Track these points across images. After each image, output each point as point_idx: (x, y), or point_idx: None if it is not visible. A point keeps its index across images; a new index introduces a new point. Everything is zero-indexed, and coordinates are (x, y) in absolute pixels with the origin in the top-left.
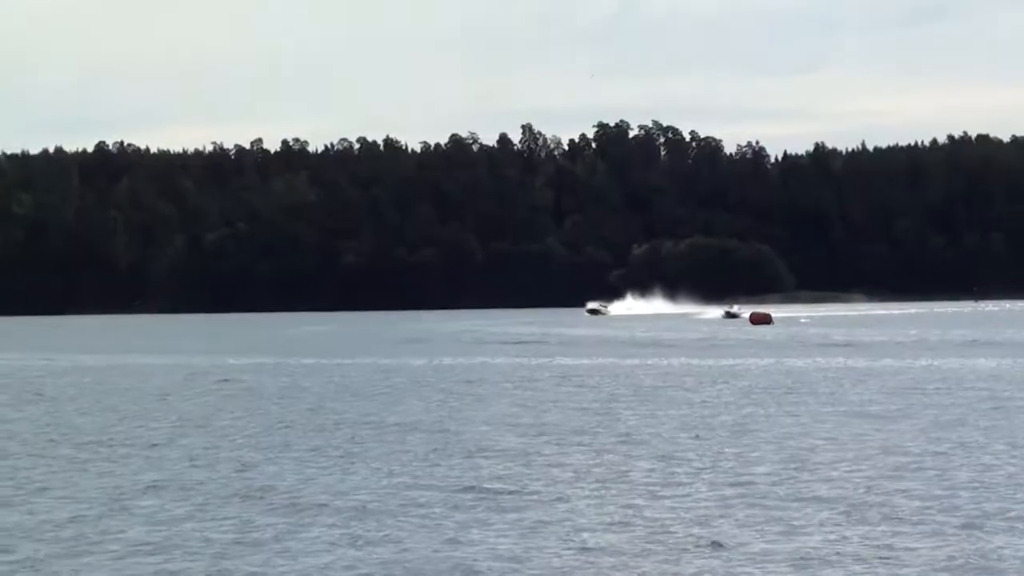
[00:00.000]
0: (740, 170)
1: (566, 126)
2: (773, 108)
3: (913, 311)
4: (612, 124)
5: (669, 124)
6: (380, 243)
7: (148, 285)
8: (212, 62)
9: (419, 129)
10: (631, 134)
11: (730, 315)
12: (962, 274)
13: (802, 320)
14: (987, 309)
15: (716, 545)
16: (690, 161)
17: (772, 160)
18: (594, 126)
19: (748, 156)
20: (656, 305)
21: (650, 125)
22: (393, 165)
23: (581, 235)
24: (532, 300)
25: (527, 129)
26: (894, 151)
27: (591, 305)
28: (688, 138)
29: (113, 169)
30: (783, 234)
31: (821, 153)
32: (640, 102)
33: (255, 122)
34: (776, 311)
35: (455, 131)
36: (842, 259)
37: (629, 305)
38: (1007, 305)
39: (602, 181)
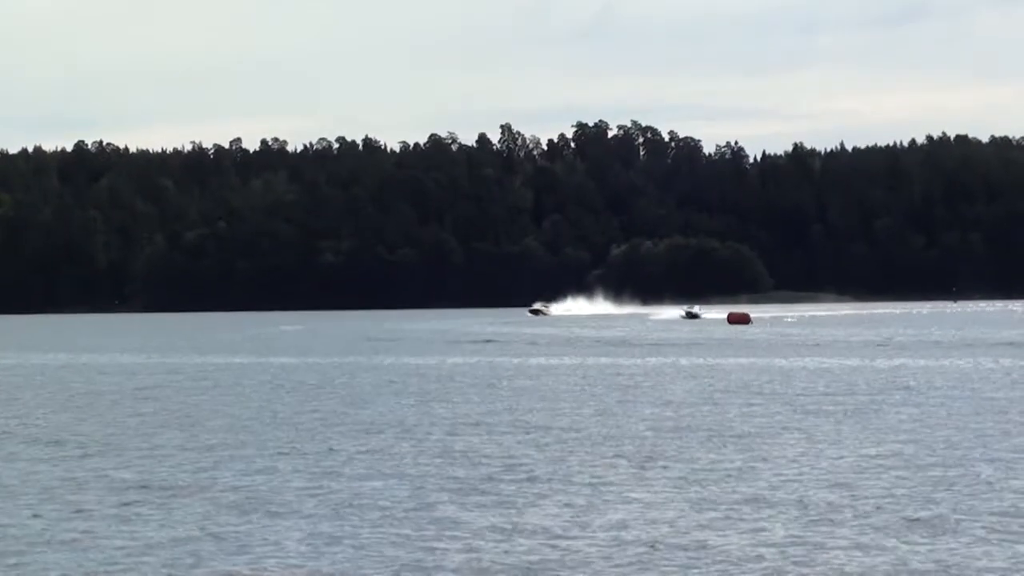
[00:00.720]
0: (719, 170)
1: (545, 126)
2: (752, 108)
3: (887, 311)
4: (591, 124)
5: (648, 124)
6: (359, 242)
7: (128, 284)
8: (191, 62)
9: (398, 129)
10: (610, 134)
11: (690, 315)
12: (942, 274)
13: (788, 319)
14: (964, 310)
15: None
16: (669, 161)
17: (751, 160)
18: (573, 126)
19: (727, 156)
20: (599, 306)
21: (629, 125)
22: (372, 164)
23: (560, 235)
24: (511, 300)
25: (506, 129)
26: (873, 151)
27: (534, 306)
28: (667, 138)
29: (92, 168)
30: (762, 234)
31: (800, 153)
32: (619, 102)
33: (234, 121)
34: (744, 311)
35: (434, 131)
36: (821, 259)
37: (568, 306)
38: (984, 305)
39: (581, 181)
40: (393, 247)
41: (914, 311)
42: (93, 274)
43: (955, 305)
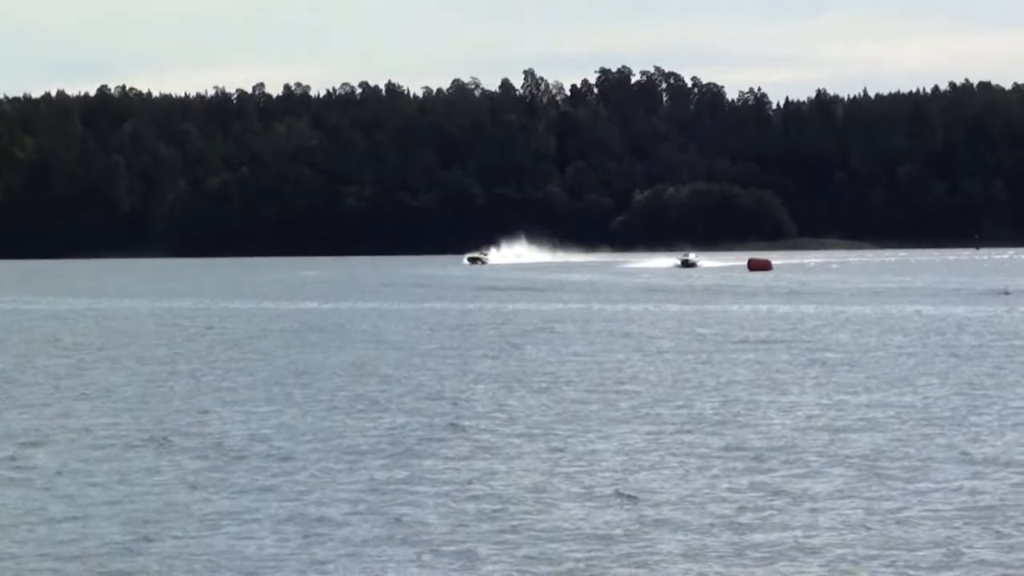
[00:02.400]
0: (742, 116)
1: (568, 72)
2: (775, 54)
3: (910, 258)
4: (614, 70)
5: (671, 70)
6: (382, 187)
7: (150, 229)
8: (213, 6)
9: (421, 74)
10: (633, 80)
11: (686, 263)
12: (964, 221)
13: (810, 265)
14: (986, 257)
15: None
16: (692, 107)
17: (774, 107)
18: (596, 72)
19: (750, 103)
20: (539, 254)
21: (652, 71)
22: (395, 110)
23: (583, 181)
24: (555, 246)
25: (529, 74)
26: (896, 98)
27: (470, 255)
28: (690, 84)
29: (115, 113)
30: (785, 181)
31: (823, 100)
32: (642, 48)
33: (257, 66)
34: (765, 257)
35: (457, 76)
36: (844, 206)
37: (506, 252)
38: (1008, 253)
39: (604, 127)
40: (416, 192)
41: (937, 258)
42: (116, 219)
43: (978, 252)
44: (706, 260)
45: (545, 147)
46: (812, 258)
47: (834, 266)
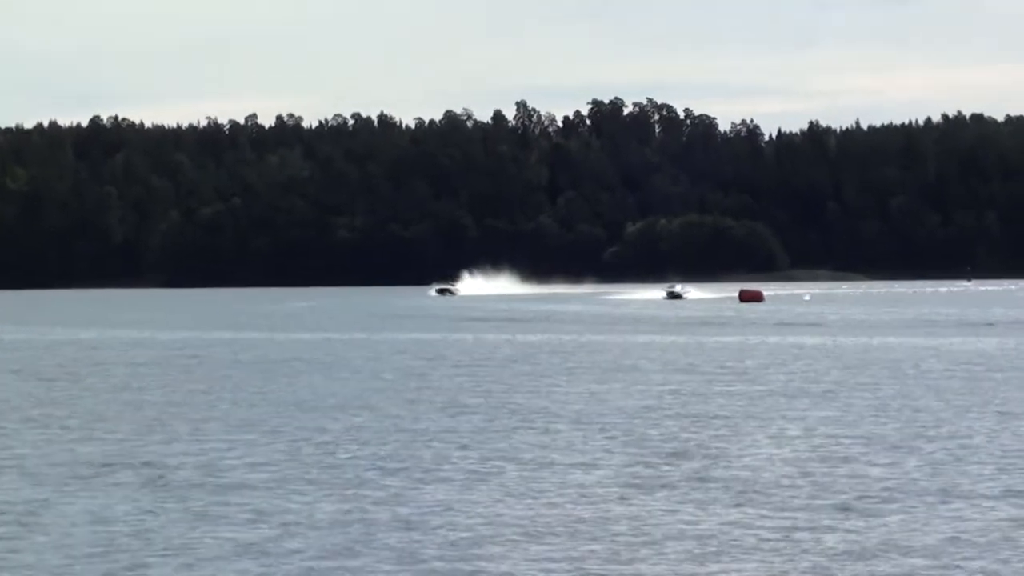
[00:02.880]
0: (734, 148)
1: (560, 103)
2: (767, 86)
3: (901, 290)
4: (606, 101)
5: (663, 102)
6: (374, 218)
7: (143, 259)
8: (207, 37)
9: (413, 105)
10: (625, 111)
11: (672, 295)
12: (957, 253)
13: (805, 298)
14: (977, 289)
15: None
16: (684, 139)
17: (767, 138)
18: (588, 103)
19: (743, 134)
20: (504, 284)
21: (644, 102)
22: (387, 141)
23: (575, 212)
24: (526, 277)
25: (521, 106)
26: (888, 130)
27: (439, 286)
28: (682, 115)
29: (108, 143)
30: (777, 212)
31: (816, 131)
32: (634, 80)
33: (250, 97)
34: (757, 288)
35: (449, 107)
36: (836, 238)
37: (476, 283)
38: (1000, 285)
39: (596, 158)
40: (408, 223)
41: (928, 289)
42: (109, 249)
43: (969, 284)
44: (697, 291)
45: (537, 178)
46: (807, 290)
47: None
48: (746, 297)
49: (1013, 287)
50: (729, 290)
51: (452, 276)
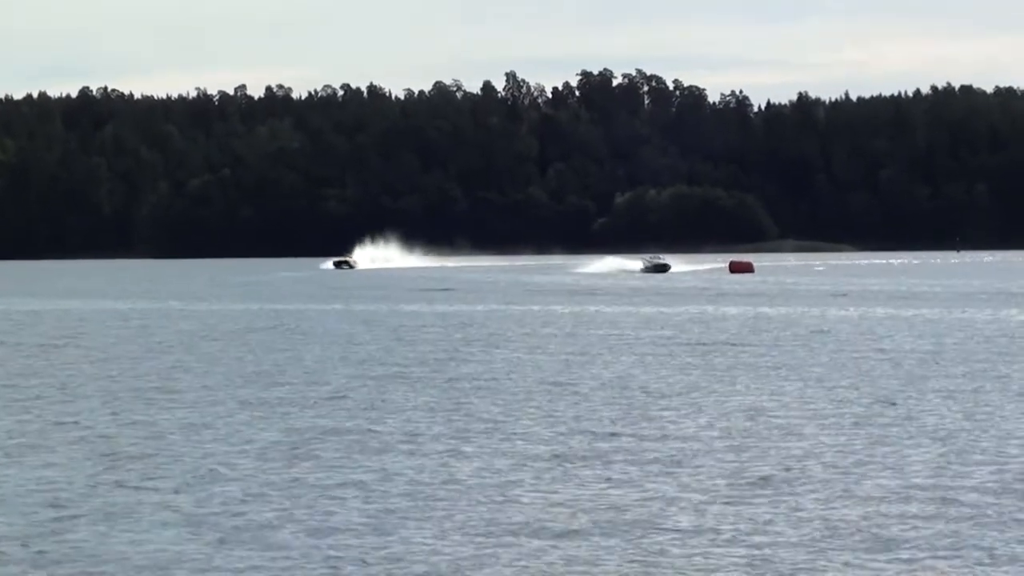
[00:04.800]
0: (724, 119)
1: (550, 75)
2: (756, 57)
3: (890, 260)
4: (595, 72)
5: (652, 73)
6: (364, 190)
7: (133, 231)
8: (196, 8)
9: (402, 77)
10: (615, 83)
11: (657, 267)
12: (946, 224)
13: (818, 267)
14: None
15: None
16: (674, 110)
17: (755, 110)
18: (577, 74)
19: (732, 105)
20: (409, 258)
21: (634, 73)
22: (377, 113)
23: (565, 184)
24: (516, 248)
25: (511, 77)
26: (878, 101)
27: (337, 259)
28: (672, 87)
29: (97, 114)
30: (767, 184)
31: (804, 103)
32: (623, 51)
33: (239, 68)
34: (747, 259)
35: (439, 79)
36: (825, 209)
37: (374, 256)
38: (987, 256)
39: (586, 130)
40: (397, 195)
41: (914, 261)
42: (99, 220)
43: (958, 255)
44: (684, 264)
45: (527, 150)
46: (797, 261)
47: (818, 268)
48: (736, 268)
49: (993, 258)
50: (718, 261)
51: (351, 249)
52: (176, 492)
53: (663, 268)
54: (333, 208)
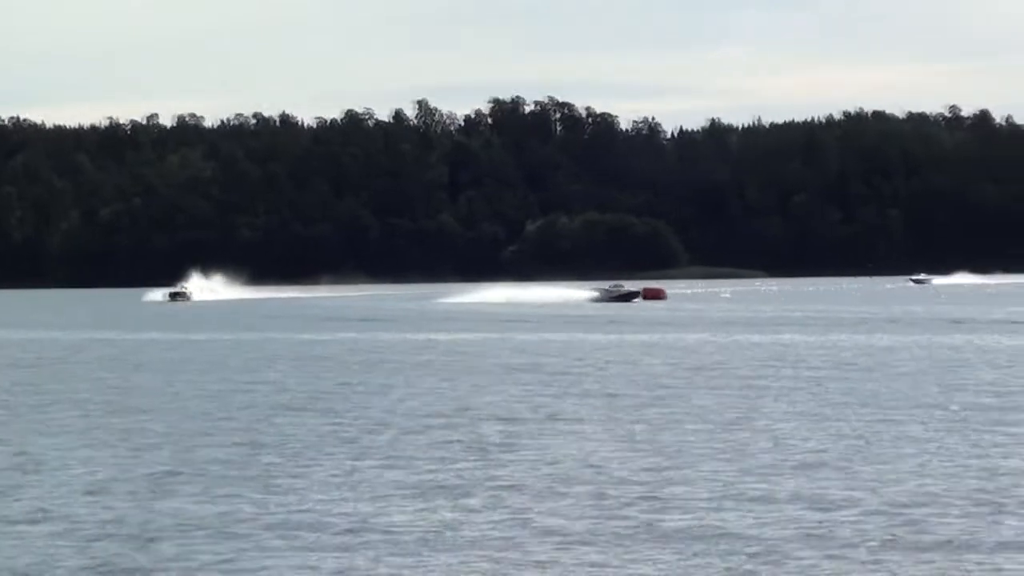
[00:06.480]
0: (635, 146)
1: (461, 102)
2: (668, 84)
3: (802, 287)
4: (507, 100)
5: (564, 100)
6: (276, 218)
7: (44, 260)
8: (108, 37)
9: (314, 105)
10: (526, 110)
11: (622, 296)
12: (859, 250)
13: (725, 295)
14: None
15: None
16: (585, 137)
17: (667, 136)
18: (489, 102)
19: (643, 132)
20: (238, 290)
21: (545, 101)
22: (289, 140)
23: (476, 210)
24: (428, 275)
25: (422, 105)
26: (790, 127)
27: (171, 290)
28: (583, 114)
29: (8, 144)
30: (679, 210)
31: (717, 129)
32: (535, 78)
33: (150, 97)
34: (659, 286)
35: (350, 107)
36: (738, 235)
37: (204, 287)
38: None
39: (497, 156)
40: (309, 222)
41: (822, 288)
42: (9, 249)
43: (871, 281)
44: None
45: (438, 177)
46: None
47: (726, 295)
48: (649, 295)
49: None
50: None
51: (182, 278)
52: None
53: (629, 296)
54: (245, 236)
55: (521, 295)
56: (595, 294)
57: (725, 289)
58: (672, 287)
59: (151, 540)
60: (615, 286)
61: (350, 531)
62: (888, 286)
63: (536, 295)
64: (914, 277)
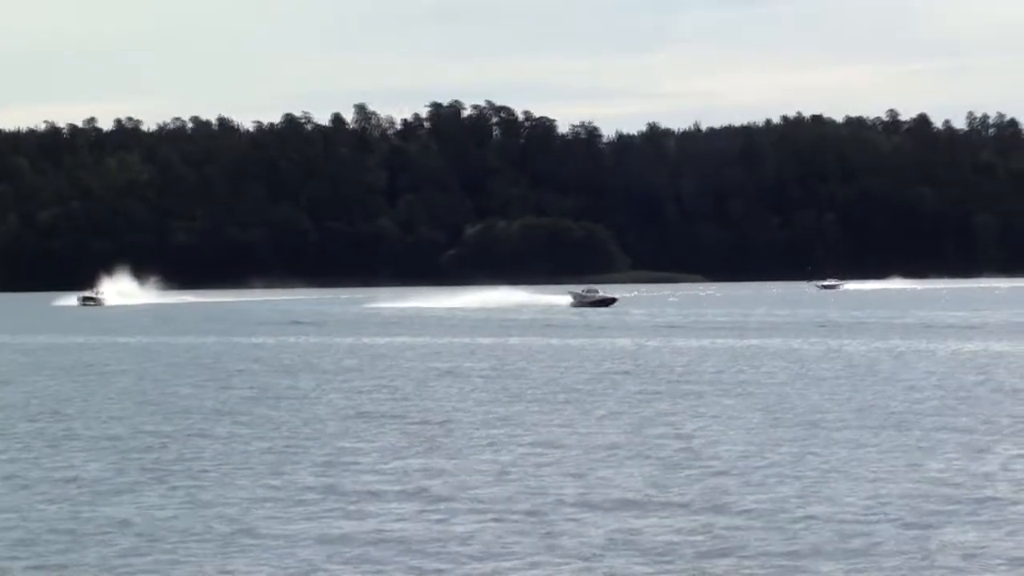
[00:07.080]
0: (573, 150)
1: (399, 106)
2: (607, 88)
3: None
4: (445, 104)
5: (502, 104)
6: (212, 222)
7: None
8: (45, 42)
9: (252, 109)
10: (464, 114)
11: (598, 301)
12: (796, 254)
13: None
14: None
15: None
16: (523, 141)
17: (606, 140)
18: (427, 106)
19: (581, 136)
20: (147, 294)
21: (483, 105)
22: (226, 144)
23: (414, 215)
24: (366, 280)
25: (360, 109)
26: (728, 131)
27: (84, 294)
28: (521, 118)
29: None
30: (617, 214)
31: (655, 133)
32: (473, 82)
33: (88, 101)
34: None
35: (288, 111)
36: (676, 239)
37: (118, 291)
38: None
39: (435, 161)
40: (246, 226)
41: (761, 292)
42: None
43: (808, 285)
44: (536, 296)
45: (377, 181)
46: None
47: (672, 299)
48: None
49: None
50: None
51: (93, 282)
52: None
53: (606, 302)
54: (181, 240)
55: (496, 299)
56: (570, 299)
57: (672, 293)
58: (613, 292)
59: (76, 541)
60: (589, 291)
61: (272, 536)
62: (809, 291)
63: (513, 299)
64: (823, 283)
